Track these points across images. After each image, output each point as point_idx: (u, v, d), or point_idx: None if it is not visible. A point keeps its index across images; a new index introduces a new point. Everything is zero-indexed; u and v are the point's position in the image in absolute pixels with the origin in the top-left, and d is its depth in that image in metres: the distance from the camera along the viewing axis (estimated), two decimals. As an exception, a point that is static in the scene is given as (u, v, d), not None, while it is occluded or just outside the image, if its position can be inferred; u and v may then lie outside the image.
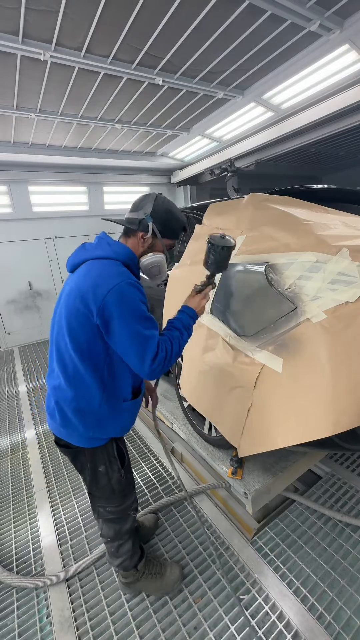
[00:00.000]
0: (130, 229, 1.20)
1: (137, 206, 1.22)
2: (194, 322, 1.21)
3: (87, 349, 1.07)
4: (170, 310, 2.06)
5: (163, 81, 3.23)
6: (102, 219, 1.38)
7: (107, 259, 1.11)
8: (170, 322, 1.19)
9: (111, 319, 1.00)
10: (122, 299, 1.00)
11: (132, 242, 1.21)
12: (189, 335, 1.18)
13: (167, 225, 1.20)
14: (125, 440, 1.37)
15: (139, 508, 1.55)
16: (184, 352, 1.92)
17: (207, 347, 1.69)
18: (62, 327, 1.09)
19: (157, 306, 2.39)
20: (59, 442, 1.26)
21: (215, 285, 1.30)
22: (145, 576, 1.43)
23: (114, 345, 1.05)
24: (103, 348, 1.07)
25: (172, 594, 1.43)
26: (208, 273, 1.25)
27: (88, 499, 1.37)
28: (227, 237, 1.20)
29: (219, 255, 1.18)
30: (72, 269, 1.17)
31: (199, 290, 1.26)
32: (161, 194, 1.24)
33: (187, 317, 1.19)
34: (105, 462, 1.22)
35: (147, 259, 1.19)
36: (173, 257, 1.16)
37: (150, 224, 1.16)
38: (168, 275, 2.21)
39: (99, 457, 1.21)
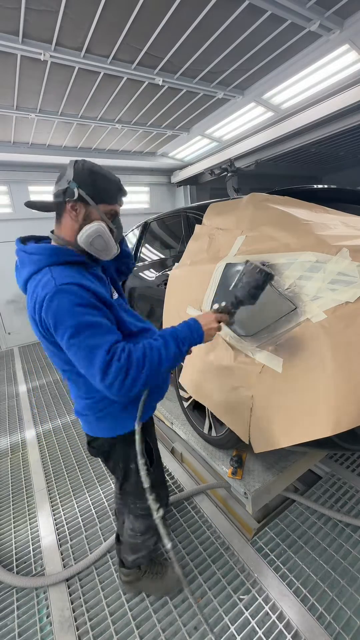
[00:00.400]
0: (59, 207, 1.02)
1: (59, 177, 1.03)
2: (195, 340, 1.03)
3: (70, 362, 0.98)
4: (170, 311, 2.06)
5: (163, 81, 3.23)
6: (25, 203, 1.09)
7: (35, 273, 0.97)
8: (162, 330, 1.04)
9: (56, 337, 0.91)
10: (53, 313, 0.88)
11: (65, 224, 1.03)
12: (181, 352, 0.99)
13: (96, 186, 1.00)
14: (154, 430, 1.33)
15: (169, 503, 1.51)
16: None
17: (209, 347, 1.69)
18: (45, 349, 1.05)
19: (157, 306, 2.39)
20: (90, 443, 1.22)
21: (232, 320, 1.15)
22: (147, 575, 1.43)
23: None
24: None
25: (172, 594, 1.43)
26: (232, 300, 1.12)
27: (112, 493, 1.40)
28: (267, 265, 1.11)
29: (254, 281, 1.06)
30: (23, 288, 1.05)
31: (216, 311, 1.13)
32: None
33: (187, 329, 1.02)
34: (133, 456, 1.14)
35: (82, 233, 0.99)
36: (120, 228, 1.07)
37: (75, 190, 0.97)
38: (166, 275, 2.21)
39: (130, 453, 1.16)
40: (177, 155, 5.90)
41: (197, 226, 2.09)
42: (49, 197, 1.06)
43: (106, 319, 0.94)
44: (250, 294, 1.09)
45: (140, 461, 1.05)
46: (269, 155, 5.42)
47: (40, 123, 4.01)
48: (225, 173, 5.64)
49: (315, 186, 2.12)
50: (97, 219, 1.01)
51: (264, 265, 1.06)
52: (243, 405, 1.49)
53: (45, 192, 5.64)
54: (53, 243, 1.06)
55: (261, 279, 1.06)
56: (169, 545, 0.93)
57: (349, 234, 1.39)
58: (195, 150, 5.58)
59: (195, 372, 1.83)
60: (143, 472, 1.04)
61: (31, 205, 1.07)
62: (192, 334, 1.02)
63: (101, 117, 4.06)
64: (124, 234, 1.26)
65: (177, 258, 2.23)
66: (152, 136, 4.87)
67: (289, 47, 2.93)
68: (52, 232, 1.08)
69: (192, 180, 6.92)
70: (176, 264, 2.18)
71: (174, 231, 2.66)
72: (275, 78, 3.43)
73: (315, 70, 3.26)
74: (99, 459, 1.26)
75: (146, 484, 1.01)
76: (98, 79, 3.13)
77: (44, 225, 6.01)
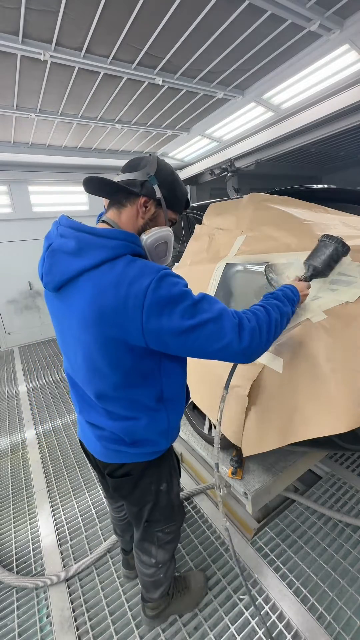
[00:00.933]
0: (126, 196, 0.91)
1: (135, 166, 0.94)
2: (296, 303, 1.05)
3: (134, 374, 0.87)
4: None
5: (163, 81, 3.23)
6: (85, 180, 0.91)
7: (111, 261, 0.79)
8: (265, 295, 1.03)
9: (161, 327, 0.77)
10: (165, 299, 0.77)
11: (126, 215, 0.91)
12: (292, 308, 1.01)
13: (174, 193, 0.95)
14: None
15: None
16: None
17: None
18: (89, 369, 0.87)
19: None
20: (113, 474, 1.04)
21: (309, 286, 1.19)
22: (175, 597, 1.33)
23: (187, 355, 0.87)
24: (153, 365, 0.90)
25: (202, 603, 1.37)
26: (312, 271, 1.18)
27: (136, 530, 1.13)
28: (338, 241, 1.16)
29: (335, 254, 1.14)
30: (59, 286, 0.84)
31: (303, 279, 1.18)
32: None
33: (290, 291, 1.04)
34: (167, 478, 1.07)
35: (152, 235, 0.90)
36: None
37: (155, 187, 0.90)
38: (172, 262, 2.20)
39: (161, 470, 1.05)
40: (177, 155, 5.90)
41: (197, 226, 2.09)
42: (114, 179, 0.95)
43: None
44: (329, 266, 1.16)
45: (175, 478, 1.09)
46: (269, 155, 5.42)
47: (40, 123, 4.01)
48: (225, 173, 5.64)
49: (315, 186, 2.12)
50: (162, 223, 0.96)
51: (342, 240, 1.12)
52: (238, 406, 1.48)
53: (45, 192, 5.63)
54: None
55: (341, 252, 1.14)
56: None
57: (349, 234, 1.39)
58: (195, 150, 5.58)
59: (193, 373, 1.82)
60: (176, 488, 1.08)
61: (89, 182, 0.90)
62: (294, 295, 1.05)
63: (101, 117, 4.06)
64: None
65: (177, 258, 2.23)
66: (152, 136, 4.86)
67: (289, 47, 2.93)
68: (101, 219, 0.94)
69: (192, 181, 6.92)
70: (176, 264, 2.18)
71: (173, 231, 2.66)
72: (275, 78, 3.42)
73: (315, 70, 3.26)
74: (116, 494, 1.08)
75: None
76: (98, 79, 3.13)
77: (44, 225, 6.06)
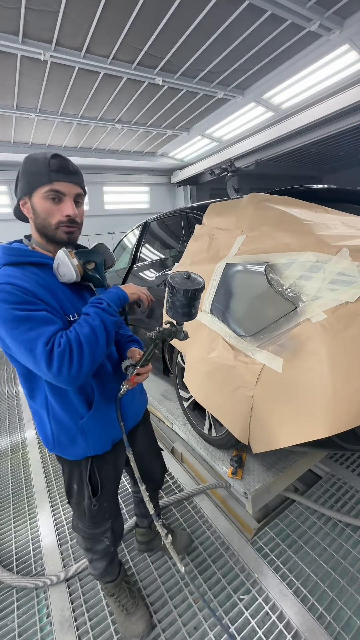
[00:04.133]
0: (18, 209, 1.01)
1: None
2: (121, 298, 0.96)
3: (20, 369, 0.96)
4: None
5: (163, 81, 3.23)
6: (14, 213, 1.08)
7: None
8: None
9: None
10: None
11: (30, 223, 1.00)
12: (109, 313, 0.90)
13: (27, 173, 0.93)
14: (118, 456, 1.17)
15: (122, 534, 1.34)
16: (187, 353, 1.92)
17: (210, 348, 1.69)
18: None
19: (157, 306, 2.39)
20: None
21: (180, 335, 0.98)
22: (114, 601, 1.35)
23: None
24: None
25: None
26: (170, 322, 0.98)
27: None
28: (192, 275, 0.92)
29: (179, 300, 0.89)
30: None
31: (149, 341, 0.98)
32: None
33: (109, 292, 0.95)
34: (77, 482, 1.10)
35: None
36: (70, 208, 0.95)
37: (16, 184, 0.97)
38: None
39: (73, 473, 1.09)
40: (177, 155, 5.90)
41: (197, 226, 2.09)
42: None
43: (46, 312, 0.87)
44: (183, 313, 0.92)
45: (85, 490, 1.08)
46: (269, 155, 5.43)
47: (40, 123, 4.01)
48: (225, 173, 5.65)
49: (315, 186, 2.12)
50: (41, 206, 0.92)
51: (187, 277, 0.91)
52: (243, 406, 1.48)
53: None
54: (26, 243, 1.02)
55: (187, 299, 0.90)
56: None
57: (349, 234, 1.39)
58: (195, 150, 5.59)
59: (196, 372, 1.83)
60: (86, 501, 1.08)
61: (17, 215, 1.06)
62: (115, 294, 0.96)
63: (101, 117, 4.06)
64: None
65: (177, 258, 2.23)
66: (152, 136, 4.87)
67: (289, 47, 2.93)
68: (28, 236, 1.04)
69: (192, 180, 6.93)
70: (176, 264, 2.18)
71: (174, 231, 2.66)
72: (275, 78, 3.43)
73: (315, 70, 3.27)
74: None
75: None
76: (98, 79, 3.13)
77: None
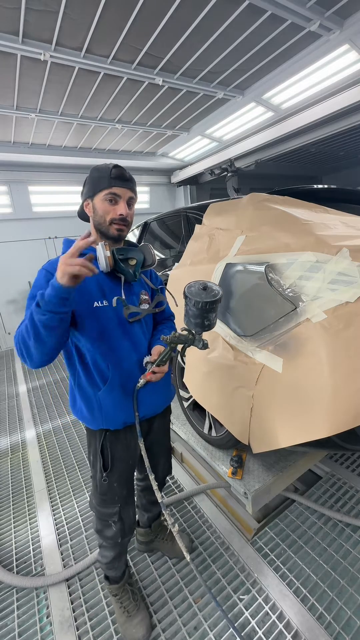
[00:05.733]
0: (82, 210, 1.18)
1: None
2: (50, 292, 0.87)
3: (65, 353, 1.14)
4: (170, 310, 2.06)
5: (163, 81, 3.23)
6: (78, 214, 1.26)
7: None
8: None
9: None
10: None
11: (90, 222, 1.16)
12: (39, 314, 0.88)
13: (91, 179, 1.11)
14: (130, 440, 1.20)
15: (133, 528, 1.32)
16: (187, 353, 1.92)
17: (211, 348, 1.69)
18: None
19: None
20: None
21: (199, 344, 0.99)
22: (116, 602, 1.37)
23: None
24: (71, 347, 1.12)
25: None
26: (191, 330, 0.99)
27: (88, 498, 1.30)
28: (209, 285, 0.91)
29: (191, 310, 0.89)
30: None
31: (167, 342, 1.00)
32: None
33: (49, 288, 0.88)
34: (93, 453, 1.19)
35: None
36: (125, 212, 1.06)
37: (85, 189, 1.13)
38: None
39: (91, 443, 1.20)
40: (177, 155, 5.90)
41: (197, 226, 2.09)
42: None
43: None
44: (204, 325, 0.93)
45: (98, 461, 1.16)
46: (269, 155, 5.42)
47: (40, 123, 4.01)
48: (225, 173, 5.65)
49: (315, 186, 2.12)
50: (100, 207, 1.08)
51: (204, 288, 0.88)
52: (243, 406, 1.49)
53: (45, 193, 5.64)
54: None
55: (207, 309, 0.89)
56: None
57: (349, 234, 1.39)
58: (195, 150, 5.58)
59: (196, 372, 1.83)
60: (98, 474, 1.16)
61: (80, 216, 1.23)
62: (50, 287, 0.89)
63: (101, 117, 4.06)
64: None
65: (177, 258, 2.23)
66: (152, 136, 4.87)
67: (289, 47, 2.93)
68: None
69: (192, 180, 6.92)
70: (176, 264, 2.18)
71: (174, 231, 2.66)
72: (275, 78, 3.43)
73: (315, 70, 3.26)
74: None
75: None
76: (98, 79, 3.13)
77: (44, 225, 6.07)
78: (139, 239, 3.16)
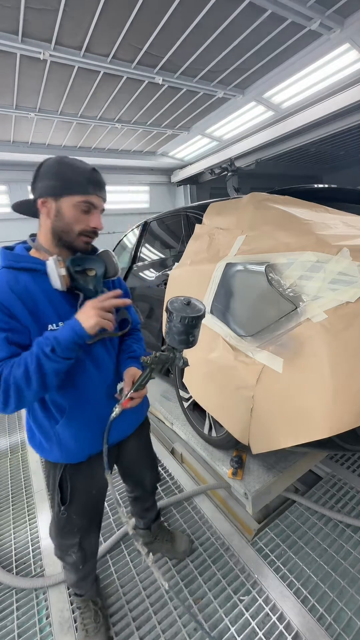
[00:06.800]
0: (33, 206, 0.95)
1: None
2: (73, 332, 0.83)
3: None
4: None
5: (163, 80, 3.22)
6: (12, 207, 1.04)
7: None
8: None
9: None
10: None
11: (41, 223, 0.96)
12: (46, 355, 0.81)
13: (62, 176, 0.90)
14: (96, 470, 1.09)
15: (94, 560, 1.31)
16: (188, 353, 1.91)
17: (210, 348, 1.69)
18: None
19: (157, 306, 2.38)
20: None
21: (181, 362, 0.94)
22: (79, 614, 1.33)
23: None
24: None
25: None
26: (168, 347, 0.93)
27: None
28: (193, 302, 0.87)
29: (175, 326, 0.84)
30: None
31: (145, 365, 0.93)
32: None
33: (66, 334, 0.83)
34: (51, 485, 1.09)
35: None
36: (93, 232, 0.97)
37: (44, 183, 0.91)
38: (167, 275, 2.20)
39: (49, 474, 1.09)
40: (177, 155, 5.89)
41: (197, 226, 2.08)
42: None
43: (7, 333, 0.85)
44: (183, 341, 0.88)
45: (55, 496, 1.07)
46: (269, 154, 5.42)
47: (40, 122, 4.01)
48: (226, 172, 5.64)
49: (315, 186, 2.11)
50: (69, 214, 0.91)
51: (187, 304, 0.85)
52: (243, 406, 1.48)
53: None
54: (30, 245, 1.01)
55: (188, 326, 0.84)
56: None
57: (350, 234, 1.39)
58: (195, 149, 5.58)
59: (196, 372, 1.82)
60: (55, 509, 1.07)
61: (17, 208, 1.01)
62: (70, 332, 0.84)
63: (101, 116, 4.06)
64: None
65: (177, 258, 2.23)
66: (152, 135, 4.86)
67: (289, 46, 2.92)
68: (33, 235, 1.02)
69: (192, 180, 6.92)
70: (176, 263, 2.17)
71: (174, 231, 2.65)
72: (275, 77, 3.42)
73: (316, 69, 3.26)
74: None
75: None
76: (98, 78, 3.12)
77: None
78: (139, 239, 3.15)
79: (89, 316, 0.83)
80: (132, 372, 1.04)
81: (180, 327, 0.83)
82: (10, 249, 0.99)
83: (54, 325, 0.92)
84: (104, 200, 0.99)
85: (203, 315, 0.85)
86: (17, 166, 5.14)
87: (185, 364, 0.95)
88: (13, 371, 0.81)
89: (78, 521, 1.12)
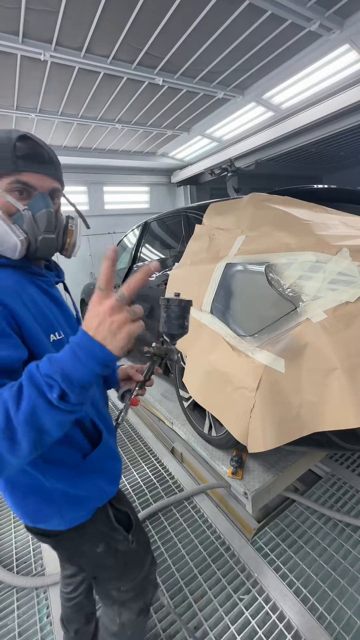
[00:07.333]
0: None
1: None
2: (89, 372, 0.51)
3: None
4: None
5: (163, 81, 3.23)
6: None
7: None
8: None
9: None
10: None
11: None
12: (51, 404, 0.50)
13: None
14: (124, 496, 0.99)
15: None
16: (187, 353, 1.91)
17: (210, 348, 1.69)
18: None
19: (157, 306, 2.38)
20: (30, 529, 0.85)
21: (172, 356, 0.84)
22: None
23: None
24: None
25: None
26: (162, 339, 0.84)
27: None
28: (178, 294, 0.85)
29: (177, 310, 0.78)
30: None
31: (151, 355, 0.80)
32: None
33: (69, 356, 0.52)
34: (103, 539, 0.84)
35: None
36: (43, 205, 0.72)
37: None
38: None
39: (91, 536, 0.83)
40: (177, 155, 5.90)
41: (197, 226, 2.09)
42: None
43: (9, 352, 0.60)
44: (176, 326, 0.78)
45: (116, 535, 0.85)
46: (269, 155, 5.42)
47: (40, 123, 4.01)
48: (226, 173, 5.64)
49: (315, 186, 2.12)
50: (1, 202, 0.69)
51: (177, 295, 0.80)
52: (244, 406, 1.48)
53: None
54: None
55: (179, 312, 0.79)
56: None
57: (349, 234, 1.39)
58: (195, 150, 5.58)
59: (196, 372, 1.83)
60: (123, 545, 0.85)
61: None
62: (74, 357, 0.52)
63: (101, 117, 4.06)
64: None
65: (177, 258, 2.23)
66: (152, 136, 4.86)
67: (289, 47, 2.93)
68: None
69: (192, 180, 6.92)
70: (176, 264, 2.18)
71: (174, 231, 2.66)
72: (275, 78, 3.43)
73: (316, 70, 3.26)
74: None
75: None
76: (98, 79, 3.13)
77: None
78: (139, 239, 3.16)
79: (115, 330, 0.52)
80: (128, 370, 0.94)
81: (177, 311, 0.79)
82: None
83: (56, 335, 0.73)
84: (54, 177, 0.75)
85: (191, 303, 0.82)
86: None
87: (180, 359, 0.92)
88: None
89: (143, 535, 0.97)
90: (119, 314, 0.51)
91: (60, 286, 0.89)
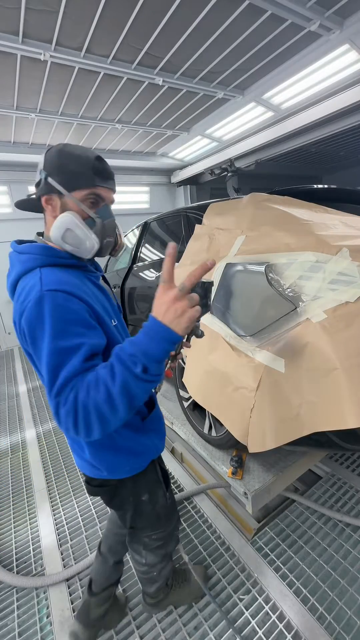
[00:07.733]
0: (38, 204, 0.87)
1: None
2: (162, 350, 0.65)
3: None
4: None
5: (163, 81, 3.23)
6: (15, 204, 0.96)
7: (23, 276, 0.80)
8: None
9: (32, 346, 0.73)
10: (31, 325, 0.71)
11: (47, 222, 0.88)
12: (134, 374, 0.65)
13: (65, 170, 0.82)
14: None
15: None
16: (187, 353, 1.92)
17: (210, 348, 1.69)
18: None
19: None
20: (91, 482, 1.03)
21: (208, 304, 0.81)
22: (174, 589, 1.35)
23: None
24: None
25: (200, 597, 1.39)
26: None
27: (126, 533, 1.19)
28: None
29: (200, 291, 0.77)
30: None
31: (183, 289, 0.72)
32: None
33: (142, 335, 0.67)
34: (149, 489, 1.05)
35: (53, 228, 0.82)
36: (108, 214, 0.90)
37: (49, 180, 0.82)
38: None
39: (141, 485, 1.03)
40: (177, 155, 5.90)
41: (197, 226, 2.09)
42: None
43: (95, 341, 0.73)
44: (201, 304, 0.75)
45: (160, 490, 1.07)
46: (269, 155, 5.43)
47: (41, 123, 4.01)
48: (226, 173, 5.65)
49: (315, 186, 2.12)
50: (74, 209, 0.83)
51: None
52: (244, 406, 1.48)
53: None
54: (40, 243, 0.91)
55: (202, 291, 0.78)
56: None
57: (349, 234, 1.39)
58: (195, 150, 5.58)
59: (196, 372, 1.83)
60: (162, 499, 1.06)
61: (20, 205, 0.94)
62: (162, 342, 0.65)
63: (101, 117, 4.06)
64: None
65: (177, 258, 2.23)
66: (152, 136, 4.87)
67: (289, 47, 2.93)
68: (40, 233, 0.94)
69: (192, 180, 6.93)
70: (176, 264, 2.17)
71: (174, 231, 2.66)
72: (275, 78, 3.43)
73: (316, 70, 3.27)
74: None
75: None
76: (98, 79, 3.13)
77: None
78: (139, 239, 3.16)
79: (179, 315, 0.64)
80: None
81: (201, 292, 0.82)
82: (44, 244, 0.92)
83: (113, 320, 0.89)
84: (114, 191, 0.91)
85: (212, 283, 0.85)
86: (17, 167, 5.14)
87: (203, 333, 0.94)
88: (92, 395, 0.65)
89: (172, 495, 1.17)
90: (181, 301, 0.64)
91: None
